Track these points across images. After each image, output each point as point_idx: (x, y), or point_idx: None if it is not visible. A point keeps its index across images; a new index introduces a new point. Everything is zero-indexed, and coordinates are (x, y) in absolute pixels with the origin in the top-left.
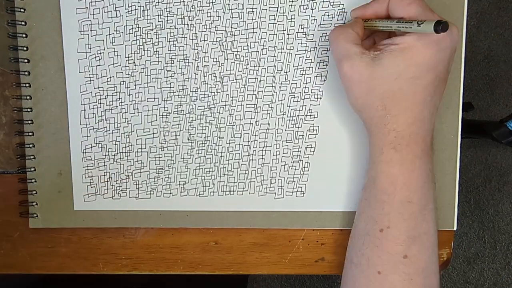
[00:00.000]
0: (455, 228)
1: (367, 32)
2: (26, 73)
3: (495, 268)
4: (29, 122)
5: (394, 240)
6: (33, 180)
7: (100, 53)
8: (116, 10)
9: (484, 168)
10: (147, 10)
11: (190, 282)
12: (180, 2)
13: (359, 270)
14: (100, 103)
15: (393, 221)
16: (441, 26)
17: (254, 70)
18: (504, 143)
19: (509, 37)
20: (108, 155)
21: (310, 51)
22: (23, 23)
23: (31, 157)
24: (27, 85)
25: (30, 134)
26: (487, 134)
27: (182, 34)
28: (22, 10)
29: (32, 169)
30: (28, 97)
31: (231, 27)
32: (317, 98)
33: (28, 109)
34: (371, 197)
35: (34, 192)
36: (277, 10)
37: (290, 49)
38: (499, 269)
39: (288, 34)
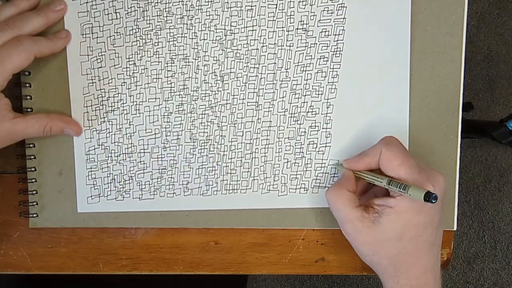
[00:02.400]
0: (455, 228)
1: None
2: (27, 73)
3: (495, 268)
4: None
5: None
6: (33, 180)
7: (102, 55)
8: (116, 12)
9: (484, 168)
10: (146, 10)
11: (190, 282)
12: (179, 1)
13: None
14: (102, 105)
15: None
16: (430, 198)
17: (254, 67)
18: (504, 143)
19: (509, 37)
20: (111, 156)
21: (310, 47)
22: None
23: (32, 157)
24: (27, 84)
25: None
26: (487, 134)
27: (181, 34)
28: None
29: (33, 169)
30: (28, 97)
31: (231, 26)
32: (318, 94)
33: (29, 109)
34: None
35: (34, 192)
36: (276, 7)
37: (290, 46)
38: (499, 269)
39: (288, 31)
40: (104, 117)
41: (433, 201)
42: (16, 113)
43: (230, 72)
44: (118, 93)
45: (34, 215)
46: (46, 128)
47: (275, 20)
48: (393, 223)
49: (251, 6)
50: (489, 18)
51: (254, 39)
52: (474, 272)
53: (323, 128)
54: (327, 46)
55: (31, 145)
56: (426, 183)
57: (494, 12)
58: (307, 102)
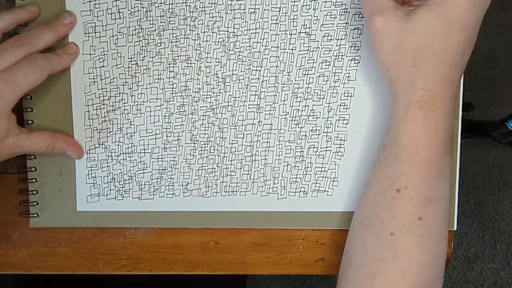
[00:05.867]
0: (455, 228)
1: None
2: (28, 97)
3: (495, 268)
4: (30, 122)
5: (410, 201)
6: (34, 180)
7: (104, 54)
8: (119, 12)
9: (484, 168)
10: (149, 11)
11: (189, 283)
12: (183, 3)
13: (370, 231)
14: (104, 104)
15: (411, 182)
16: None
17: (256, 70)
18: (504, 143)
19: (509, 37)
20: (111, 156)
21: (313, 51)
22: (23, 23)
23: (32, 157)
24: None
25: None
26: (487, 134)
27: (184, 35)
28: None
29: (33, 169)
30: (28, 97)
31: (234, 28)
32: (319, 98)
33: (29, 109)
34: (390, 157)
35: (35, 191)
36: (279, 10)
37: (292, 49)
38: (499, 269)
39: (291, 34)
40: (105, 117)
41: None
42: (22, 129)
43: (232, 74)
44: (119, 93)
45: (35, 215)
46: (48, 148)
47: (278, 24)
48: (429, 13)
49: (254, 9)
50: (489, 18)
51: (257, 42)
52: (474, 272)
53: (323, 132)
54: (330, 51)
55: None
56: None
57: (494, 12)
58: (308, 105)
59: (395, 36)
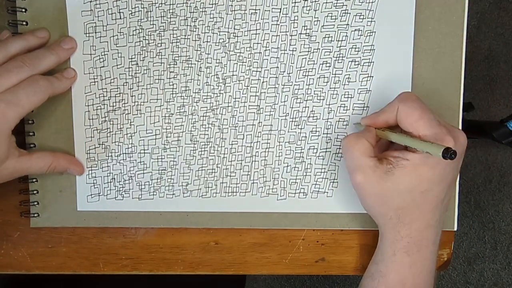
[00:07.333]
0: (455, 229)
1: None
2: (30, 121)
3: (495, 268)
4: (30, 122)
5: None
6: (34, 180)
7: (104, 54)
8: (120, 12)
9: (484, 168)
10: (150, 11)
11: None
12: (183, 3)
13: None
14: (104, 104)
15: None
16: (449, 154)
17: (256, 71)
18: (504, 144)
19: (509, 37)
20: (111, 156)
21: (313, 52)
22: (24, 23)
23: None
24: None
25: (31, 134)
26: (488, 134)
27: (185, 36)
28: (23, 10)
29: None
30: (30, 121)
31: (234, 28)
32: (319, 99)
33: (30, 121)
34: None
35: (35, 191)
36: (280, 11)
37: (293, 51)
38: (499, 269)
39: (291, 36)
40: (105, 117)
41: (453, 156)
42: (21, 150)
43: (232, 75)
44: (119, 93)
45: (35, 215)
46: (50, 167)
47: (278, 25)
48: (407, 175)
49: (255, 9)
50: (489, 18)
51: (257, 43)
52: (475, 273)
53: (323, 133)
54: (330, 52)
55: (31, 146)
56: (447, 137)
57: (495, 12)
58: (308, 107)
59: (376, 194)
